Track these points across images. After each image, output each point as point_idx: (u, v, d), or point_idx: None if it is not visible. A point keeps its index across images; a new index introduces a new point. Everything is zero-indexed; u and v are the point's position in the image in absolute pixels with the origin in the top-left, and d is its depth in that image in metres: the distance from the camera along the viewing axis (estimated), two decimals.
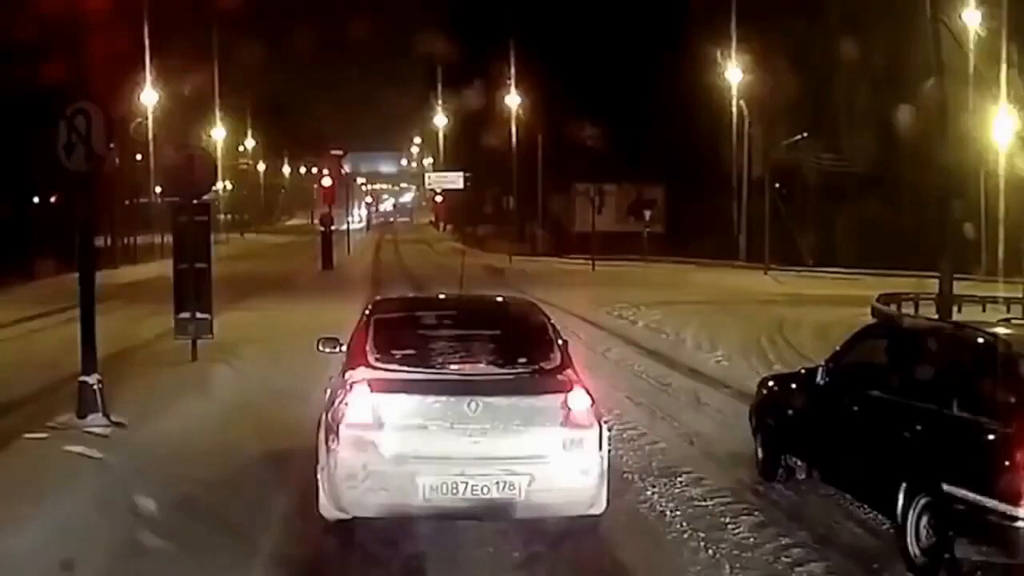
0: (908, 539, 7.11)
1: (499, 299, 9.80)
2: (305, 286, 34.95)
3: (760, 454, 9.61)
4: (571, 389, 7.41)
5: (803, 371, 9.41)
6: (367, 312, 8.28)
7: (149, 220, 52.77)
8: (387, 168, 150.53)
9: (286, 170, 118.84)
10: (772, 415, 9.55)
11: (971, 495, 6.57)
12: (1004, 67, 37.86)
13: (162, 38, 51.40)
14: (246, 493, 8.62)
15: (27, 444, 8.91)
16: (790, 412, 9.29)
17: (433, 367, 7.54)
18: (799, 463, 9.09)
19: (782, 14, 46.85)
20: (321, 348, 8.74)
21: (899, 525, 7.21)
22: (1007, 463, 6.41)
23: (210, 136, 68.45)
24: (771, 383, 10.03)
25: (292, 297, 29.30)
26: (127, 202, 54.07)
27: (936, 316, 20.28)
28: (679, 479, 9.37)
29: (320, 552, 7.49)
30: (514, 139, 65.62)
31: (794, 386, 9.43)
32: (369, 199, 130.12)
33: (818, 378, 8.83)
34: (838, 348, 9.04)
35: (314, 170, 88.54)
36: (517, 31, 61.46)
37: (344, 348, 8.24)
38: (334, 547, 7.50)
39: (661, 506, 8.62)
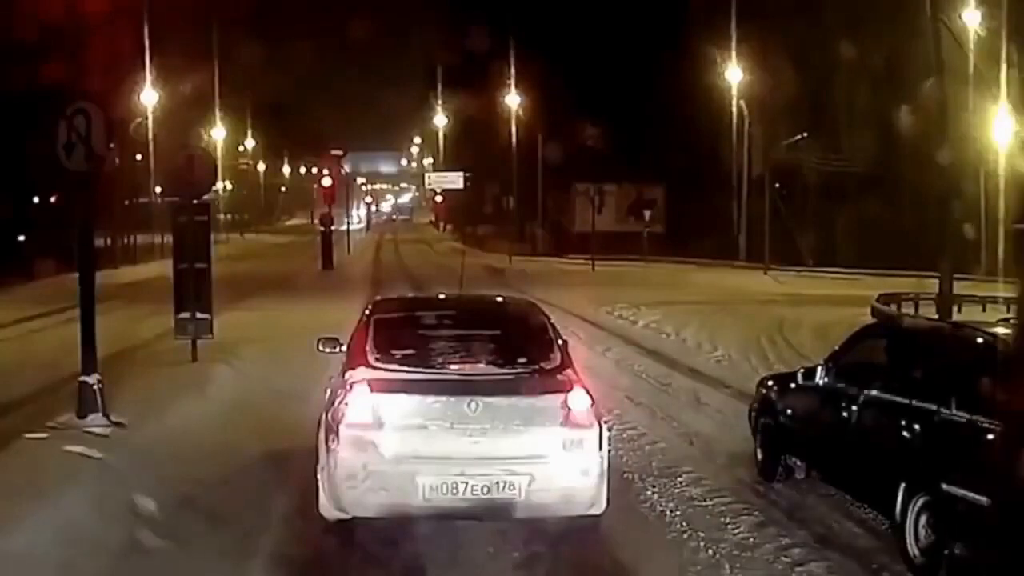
0: (907, 539, 7.12)
1: (499, 299, 9.81)
2: (305, 286, 34.95)
3: (760, 454, 9.63)
4: (571, 389, 7.41)
5: (802, 371, 9.36)
6: (367, 312, 8.28)
7: (149, 220, 52.77)
8: (387, 168, 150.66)
9: (286, 170, 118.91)
10: (771, 415, 9.55)
11: (970, 495, 6.58)
12: (1004, 67, 37.85)
13: (162, 38, 51.40)
14: (246, 493, 8.62)
15: (27, 444, 8.92)
16: (789, 412, 9.30)
17: (433, 367, 7.54)
18: (799, 463, 9.13)
19: (782, 14, 46.84)
20: (321, 348, 8.75)
21: (898, 525, 7.22)
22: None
23: (210, 136, 68.48)
24: (770, 383, 10.01)
25: (292, 297, 29.31)
26: (127, 202, 54.06)
27: (936, 316, 20.28)
28: (679, 479, 9.37)
29: (320, 552, 7.49)
30: (514, 139, 65.62)
31: (793, 386, 9.40)
32: (369, 199, 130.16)
33: (817, 378, 8.83)
34: (837, 348, 9.04)
35: (314, 170, 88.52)
36: (517, 31, 61.47)
37: (344, 348, 8.25)
38: (334, 547, 7.50)
39: (661, 506, 8.62)
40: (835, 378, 8.66)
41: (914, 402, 7.40)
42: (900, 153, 40.32)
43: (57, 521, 6.91)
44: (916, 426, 7.27)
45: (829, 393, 8.63)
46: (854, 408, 8.11)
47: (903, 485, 7.17)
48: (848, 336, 9.09)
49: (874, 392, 7.98)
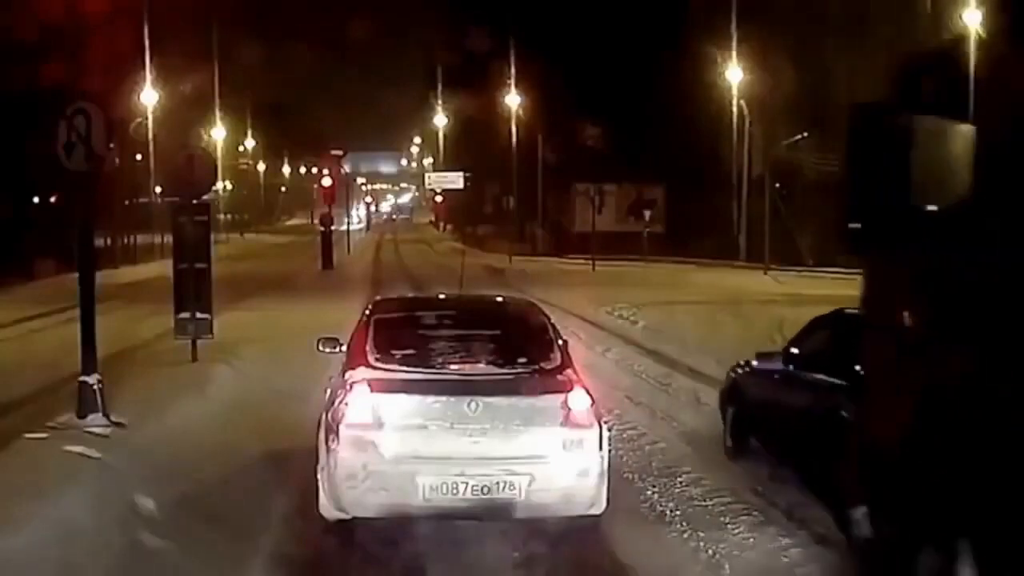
0: (847, 512, 7.30)
1: (499, 299, 9.83)
2: (305, 286, 34.95)
3: (726, 435, 10.35)
4: (571, 389, 7.42)
5: (766, 356, 9.92)
6: (367, 312, 8.30)
7: (149, 220, 52.80)
8: (387, 168, 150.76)
9: (286, 170, 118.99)
10: (736, 398, 10.31)
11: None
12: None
13: (162, 38, 51.41)
14: (246, 493, 8.62)
15: (27, 444, 8.91)
16: (750, 395, 10.04)
17: (433, 367, 7.55)
18: (758, 443, 9.72)
19: (782, 13, 46.84)
20: (321, 348, 8.77)
21: (839, 499, 7.38)
22: None
23: (210, 136, 68.50)
24: (738, 368, 10.57)
25: (292, 297, 29.30)
26: (127, 202, 54.08)
27: None
28: (679, 479, 9.38)
29: (320, 552, 7.50)
30: (514, 139, 65.61)
31: (755, 371, 10.07)
32: (369, 199, 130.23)
33: (775, 364, 9.44)
34: (794, 336, 9.58)
35: (314, 170, 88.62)
36: (517, 31, 61.47)
37: (344, 348, 8.26)
38: (334, 547, 7.50)
39: (661, 506, 8.63)
40: (790, 364, 9.24)
41: (854, 384, 7.61)
42: None
43: (57, 521, 6.90)
44: (854, 406, 7.45)
45: (783, 377, 9.26)
46: (803, 391, 8.63)
47: (843, 461, 7.34)
48: (804, 326, 9.59)
49: (820, 376, 8.40)
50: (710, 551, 7.50)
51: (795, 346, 9.40)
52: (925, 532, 5.76)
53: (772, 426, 9.54)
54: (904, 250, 6.11)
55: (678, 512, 8.43)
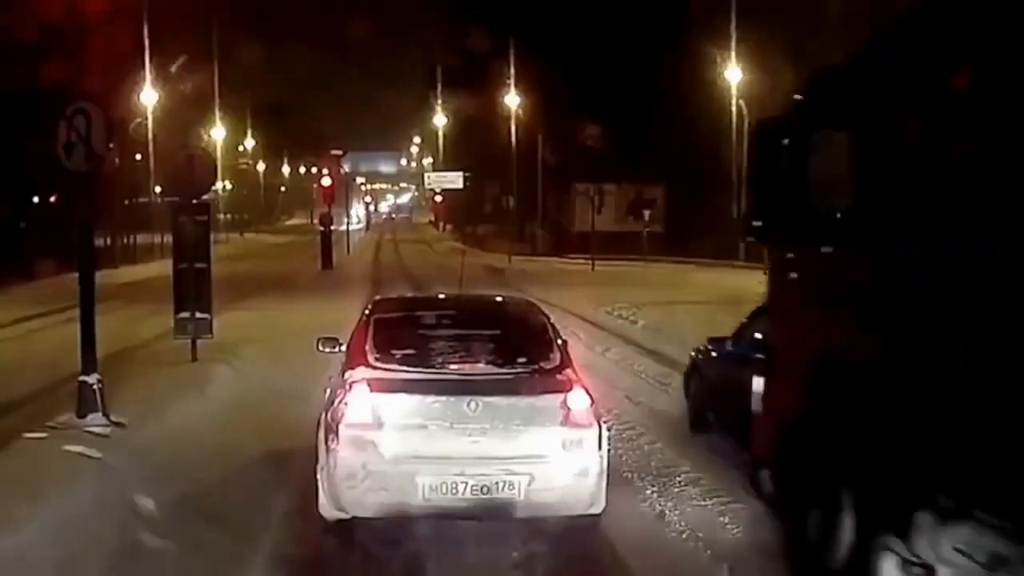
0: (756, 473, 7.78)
1: (499, 299, 9.84)
2: (305, 286, 34.94)
3: (688, 412, 11.45)
4: (571, 389, 7.42)
5: (717, 340, 10.97)
6: (367, 312, 8.30)
7: (149, 220, 52.81)
8: (387, 168, 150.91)
9: (286, 170, 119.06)
10: (694, 378, 11.44)
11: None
12: None
13: (162, 38, 51.43)
14: (246, 493, 8.63)
15: (27, 444, 8.92)
16: (704, 375, 11.11)
17: (433, 367, 7.55)
18: (712, 419, 10.69)
19: (782, 13, 46.84)
20: (320, 348, 8.78)
21: (753, 463, 7.86)
22: None
23: (210, 136, 68.54)
24: (697, 352, 11.56)
25: (292, 297, 29.29)
26: (127, 202, 54.09)
27: None
28: (678, 478, 9.39)
29: (320, 552, 7.50)
30: (514, 139, 65.63)
31: (710, 354, 11.07)
32: (369, 199, 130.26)
33: (725, 347, 10.52)
34: (742, 321, 10.47)
35: (314, 170, 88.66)
36: (517, 31, 61.48)
37: (344, 348, 8.26)
38: (334, 547, 7.51)
39: (660, 505, 8.63)
40: (737, 347, 10.18)
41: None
42: None
43: (56, 521, 6.91)
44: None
45: (729, 357, 10.27)
46: (739, 369, 9.29)
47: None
48: (751, 312, 10.39)
49: (756, 355, 8.80)
50: (710, 551, 7.51)
51: (741, 330, 10.34)
52: (814, 488, 6.43)
53: (718, 401, 10.51)
54: (800, 244, 6.71)
55: (677, 511, 8.43)
